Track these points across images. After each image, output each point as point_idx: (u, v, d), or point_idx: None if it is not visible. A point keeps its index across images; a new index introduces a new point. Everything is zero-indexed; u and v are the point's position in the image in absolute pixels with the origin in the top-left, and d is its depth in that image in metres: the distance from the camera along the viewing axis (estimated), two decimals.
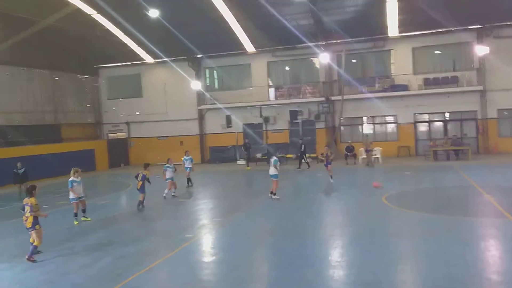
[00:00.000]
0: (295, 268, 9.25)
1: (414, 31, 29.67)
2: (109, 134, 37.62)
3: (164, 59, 33.38)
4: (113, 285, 8.79)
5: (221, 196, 20.00)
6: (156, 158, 30.11)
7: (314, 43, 30.15)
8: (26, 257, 10.53)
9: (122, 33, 31.61)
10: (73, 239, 12.78)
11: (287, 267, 9.34)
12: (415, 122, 31.07)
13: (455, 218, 12.92)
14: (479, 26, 28.51)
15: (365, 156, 27.40)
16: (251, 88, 33.79)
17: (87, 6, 28.41)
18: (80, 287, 9.00)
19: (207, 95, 34.48)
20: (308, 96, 32.28)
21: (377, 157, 27.77)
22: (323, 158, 21.18)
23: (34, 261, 10.50)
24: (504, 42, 28.25)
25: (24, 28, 28.28)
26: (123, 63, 36.33)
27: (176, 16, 28.22)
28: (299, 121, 31.02)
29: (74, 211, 14.73)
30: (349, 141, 30.17)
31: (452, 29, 27.94)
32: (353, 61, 32.00)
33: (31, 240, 10.77)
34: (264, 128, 33.61)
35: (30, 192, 10.91)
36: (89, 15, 29.40)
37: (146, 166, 17.27)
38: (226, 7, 28.14)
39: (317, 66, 32.83)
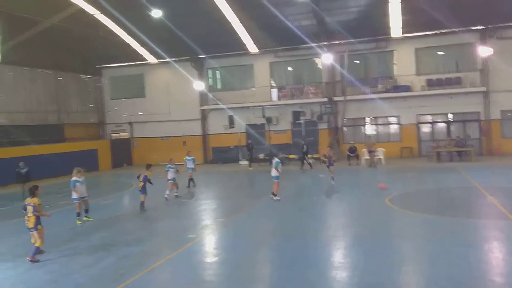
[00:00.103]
0: (298, 269, 9.24)
1: (417, 32, 29.63)
2: (112, 134, 37.69)
3: (167, 60, 33.44)
4: (116, 285, 8.80)
5: (224, 196, 20.00)
6: (158, 158, 30.16)
7: (316, 44, 30.11)
8: (29, 258, 10.50)
9: (125, 33, 31.70)
10: (76, 239, 12.80)
11: (290, 268, 9.33)
12: (418, 123, 31.02)
13: (459, 220, 12.90)
14: (482, 27, 28.48)
15: (367, 157, 27.37)
16: (253, 89, 33.80)
17: (90, 6, 28.49)
18: (83, 287, 9.02)
19: (210, 95, 34.50)
20: (310, 97, 32.26)
21: (380, 158, 27.71)
22: (325, 160, 21.13)
23: (37, 261, 10.50)
24: (507, 43, 28.16)
25: (27, 28, 28.37)
26: (126, 63, 36.38)
27: (179, 17, 28.26)
28: (302, 121, 30.97)
29: (77, 211, 14.77)
30: (352, 142, 30.13)
31: (455, 30, 27.91)
32: (355, 61, 31.95)
33: (32, 241, 10.75)
34: (266, 129, 33.60)
35: (33, 192, 10.93)
36: (93, 15, 29.49)
37: (148, 167, 17.30)
38: (229, 7, 28.17)
39: (320, 66, 32.80)
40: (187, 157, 21.91)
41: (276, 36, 30.53)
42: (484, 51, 27.64)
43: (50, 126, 32.37)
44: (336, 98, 31.46)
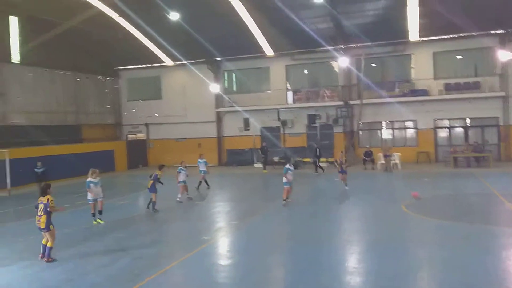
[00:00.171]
0: (311, 273, 9.21)
1: (435, 35, 29.35)
2: (128, 135, 38.08)
3: (184, 62, 33.71)
4: (131, 285, 8.89)
5: (238, 199, 20.03)
6: (172, 160, 30.29)
7: (333, 47, 30.01)
8: (45, 259, 10.62)
9: (143, 36, 32.04)
10: (92, 239, 12.96)
11: (303, 271, 9.30)
12: (435, 128, 30.65)
13: (476, 226, 12.70)
14: (501, 31, 28.06)
15: (383, 162, 27.14)
16: (269, 92, 33.81)
17: (109, 9, 28.88)
18: (99, 286, 9.12)
19: (226, 97, 34.63)
20: (326, 100, 32.14)
21: (396, 163, 27.44)
22: (337, 165, 21.00)
23: (54, 260, 10.61)
24: None
25: (47, 29, 28.89)
26: (144, 66, 36.76)
27: (196, 19, 28.47)
28: (317, 125, 30.88)
29: (92, 211, 14.93)
30: (368, 146, 29.94)
31: (473, 34, 27.55)
32: (372, 65, 31.75)
33: (43, 242, 10.82)
34: (281, 132, 33.58)
35: (45, 191, 11.04)
36: (111, 18, 29.88)
37: (161, 167, 17.50)
38: (245, 10, 28.29)
39: (336, 70, 32.68)
40: (199, 160, 22.00)
41: (292, 39, 30.54)
42: (503, 55, 27.24)
43: (68, 127, 32.86)
44: (352, 102, 31.28)
